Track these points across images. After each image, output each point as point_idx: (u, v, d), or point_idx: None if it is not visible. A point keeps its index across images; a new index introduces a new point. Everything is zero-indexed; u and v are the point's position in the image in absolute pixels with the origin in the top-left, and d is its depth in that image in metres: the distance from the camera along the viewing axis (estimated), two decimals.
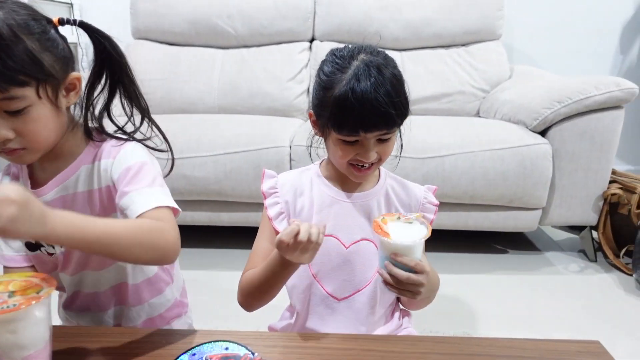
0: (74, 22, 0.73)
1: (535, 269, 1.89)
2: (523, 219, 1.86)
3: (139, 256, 0.68)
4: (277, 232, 0.86)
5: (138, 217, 0.70)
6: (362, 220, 0.88)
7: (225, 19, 2.42)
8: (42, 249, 0.81)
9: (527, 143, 1.76)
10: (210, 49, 2.49)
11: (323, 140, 0.87)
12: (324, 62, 0.82)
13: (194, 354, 0.71)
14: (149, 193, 0.73)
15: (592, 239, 1.94)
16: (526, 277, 1.83)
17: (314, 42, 2.48)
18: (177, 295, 0.98)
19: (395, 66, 0.80)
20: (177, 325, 0.97)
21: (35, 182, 0.78)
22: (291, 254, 0.73)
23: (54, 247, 0.80)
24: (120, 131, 0.83)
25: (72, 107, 0.78)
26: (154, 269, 0.92)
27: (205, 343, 0.73)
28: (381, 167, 0.93)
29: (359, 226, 0.87)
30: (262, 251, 0.87)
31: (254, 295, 0.84)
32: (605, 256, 1.90)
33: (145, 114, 0.84)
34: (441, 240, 2.02)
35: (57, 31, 0.71)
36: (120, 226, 0.65)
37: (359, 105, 0.74)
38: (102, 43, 0.75)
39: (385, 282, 0.76)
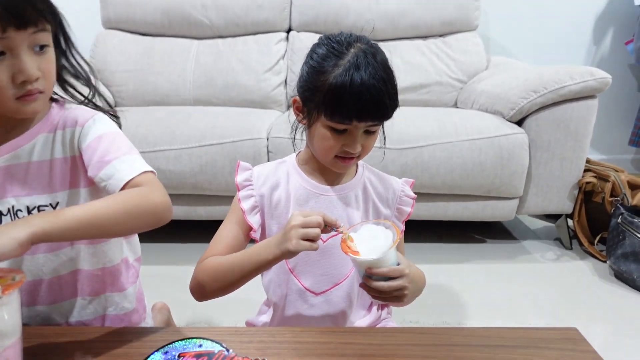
0: None
1: (513, 257, 1.91)
2: (501, 209, 1.87)
3: (131, 226, 0.69)
4: (249, 226, 0.85)
5: (126, 183, 0.69)
6: (340, 213, 0.86)
7: (199, 9, 2.35)
8: None
9: (504, 133, 1.77)
10: (185, 40, 2.43)
11: (304, 129, 0.86)
12: (317, 45, 0.81)
13: (166, 352, 0.69)
14: (131, 159, 0.72)
15: (568, 227, 1.97)
16: (504, 266, 1.84)
17: (291, 33, 2.44)
18: (135, 303, 0.91)
19: (386, 57, 0.81)
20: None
21: None
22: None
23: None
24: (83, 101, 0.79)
25: None
26: (114, 259, 0.84)
27: (178, 340, 0.70)
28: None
29: (337, 219, 0.86)
30: (228, 239, 0.85)
31: (217, 283, 0.80)
32: (581, 244, 1.93)
33: (89, 81, 0.78)
34: (420, 230, 2.02)
35: None
36: (105, 203, 0.64)
37: (357, 94, 0.73)
38: None
39: (372, 296, 0.76)
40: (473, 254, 1.93)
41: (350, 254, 0.73)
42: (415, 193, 1.83)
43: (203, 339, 0.71)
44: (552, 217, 2.07)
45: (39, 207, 0.73)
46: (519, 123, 1.84)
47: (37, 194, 0.73)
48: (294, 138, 0.92)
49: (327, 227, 0.74)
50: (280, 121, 1.90)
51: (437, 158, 1.75)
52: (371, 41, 0.82)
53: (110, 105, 0.83)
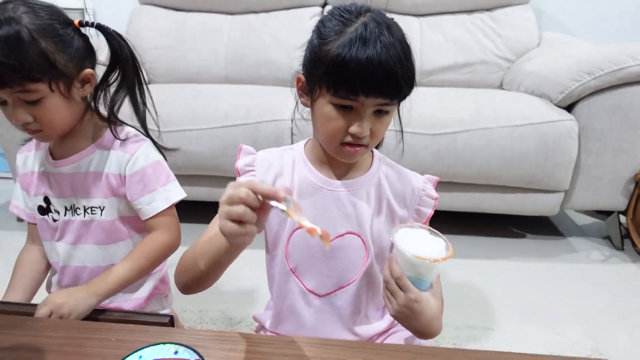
0: (91, 25, 0.82)
1: (555, 255, 1.76)
2: (543, 202, 1.71)
3: (154, 268, 0.92)
4: None
5: (158, 213, 0.88)
6: (349, 211, 0.77)
7: None
8: (50, 214, 0.90)
9: (551, 119, 1.60)
10: (217, 15, 2.37)
11: (309, 112, 0.76)
12: (324, 16, 0.72)
13: (140, 356, 0.64)
14: (166, 190, 0.89)
15: (620, 224, 1.78)
16: (544, 264, 1.69)
17: (326, 7, 2.32)
18: (157, 284, 1.00)
19: (403, 33, 0.69)
20: (150, 304, 1.00)
21: (54, 155, 0.88)
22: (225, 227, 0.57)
23: (58, 214, 0.89)
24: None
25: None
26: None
27: (153, 345, 0.65)
28: (375, 151, 0.82)
29: (344, 218, 0.77)
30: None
31: (187, 274, 0.71)
32: (634, 244, 1.74)
33: (142, 122, 0.92)
34: (451, 221, 1.90)
35: (78, 31, 0.80)
36: (140, 263, 0.86)
37: (364, 63, 0.63)
38: (116, 41, 0.85)
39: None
40: (509, 250, 1.79)
41: (403, 249, 0.64)
42: (447, 182, 1.73)
43: (180, 345, 0.66)
44: (602, 214, 1.88)
45: (92, 207, 0.89)
46: (569, 108, 1.66)
47: (91, 197, 0.88)
48: (293, 120, 0.84)
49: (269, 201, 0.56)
50: None
51: (473, 145, 1.61)
52: (386, 14, 0.70)
53: (156, 145, 0.95)
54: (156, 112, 0.96)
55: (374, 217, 0.79)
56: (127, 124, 0.93)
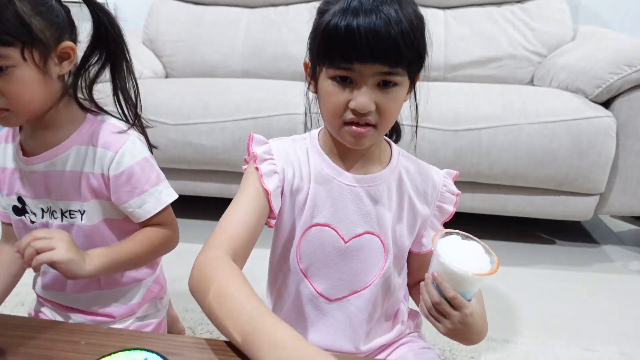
0: None
1: (588, 264, 1.62)
2: (575, 206, 1.58)
3: (152, 260, 0.89)
4: (271, 209, 0.67)
5: (152, 217, 0.80)
6: (368, 209, 0.69)
7: None
8: (27, 215, 0.82)
9: (585, 115, 1.47)
10: (236, 8, 2.32)
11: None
12: None
13: None
14: (158, 191, 0.80)
15: None
16: (576, 274, 1.56)
17: None
18: (150, 286, 0.93)
19: (417, 8, 0.62)
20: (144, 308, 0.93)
21: (25, 151, 0.79)
22: None
23: (35, 215, 0.81)
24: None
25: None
26: None
27: (123, 350, 0.59)
28: (393, 145, 0.75)
29: (363, 216, 0.70)
30: (239, 223, 0.65)
31: (208, 307, 0.59)
32: None
33: (136, 109, 0.82)
34: (474, 224, 1.78)
35: (59, 1, 0.72)
36: (138, 247, 0.79)
37: (356, 25, 0.56)
38: (101, 17, 0.75)
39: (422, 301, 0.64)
40: (537, 257, 1.66)
41: (439, 251, 0.61)
42: (470, 182, 1.62)
43: (151, 352, 0.59)
44: None
45: (70, 211, 0.79)
46: (606, 104, 1.53)
47: (69, 200, 0.79)
48: (307, 114, 0.77)
49: None
50: None
51: (498, 143, 1.49)
52: None
53: (143, 128, 0.84)
54: (141, 106, 0.84)
55: (395, 216, 0.71)
56: (110, 114, 0.81)
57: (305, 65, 0.69)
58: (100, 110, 0.80)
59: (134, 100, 0.82)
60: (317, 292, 0.72)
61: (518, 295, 1.43)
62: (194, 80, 1.93)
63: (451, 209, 0.74)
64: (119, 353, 0.59)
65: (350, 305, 0.72)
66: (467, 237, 0.64)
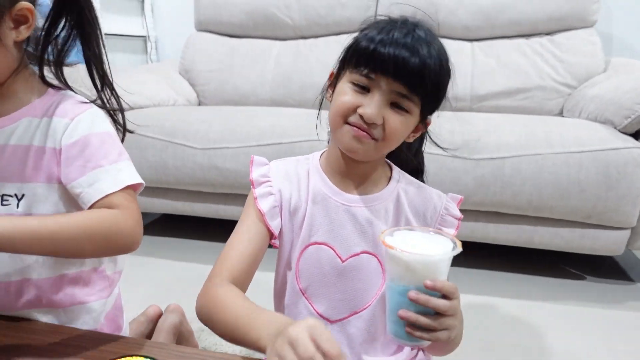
0: None
1: (620, 302, 1.54)
2: (605, 240, 1.52)
3: (91, 252, 0.65)
4: (269, 229, 0.70)
5: (103, 198, 0.64)
6: (365, 229, 0.71)
7: (282, 9, 2.32)
8: None
9: (614, 146, 1.43)
10: (267, 41, 2.42)
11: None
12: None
13: None
14: (116, 169, 0.66)
15: None
16: (606, 311, 1.48)
17: None
18: (103, 321, 0.77)
19: (446, 52, 0.67)
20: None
21: None
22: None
23: None
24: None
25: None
26: (80, 266, 0.73)
27: (124, 357, 0.60)
28: (394, 167, 0.76)
29: (360, 236, 0.71)
30: (242, 247, 0.69)
31: (219, 327, 0.61)
32: None
33: (106, 79, 0.72)
34: (498, 257, 1.73)
35: None
36: (71, 220, 0.61)
37: (390, 40, 0.61)
38: None
39: (409, 326, 0.55)
40: (565, 292, 1.59)
41: (394, 251, 0.53)
42: (493, 212, 1.59)
43: (152, 359, 0.60)
44: None
45: (3, 195, 0.66)
46: (636, 135, 1.48)
47: (5, 181, 0.66)
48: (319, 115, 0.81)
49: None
50: None
51: (522, 172, 1.47)
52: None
53: (121, 109, 0.75)
54: (117, 97, 0.74)
55: None
56: (74, 91, 0.71)
57: (332, 74, 0.73)
58: (67, 87, 0.71)
59: (110, 77, 0.72)
60: (318, 312, 0.72)
61: (541, 332, 1.36)
62: (223, 108, 2.00)
63: (452, 232, 0.72)
64: (122, 359, 0.61)
65: (351, 326, 0.72)
66: (414, 228, 0.61)
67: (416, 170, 0.80)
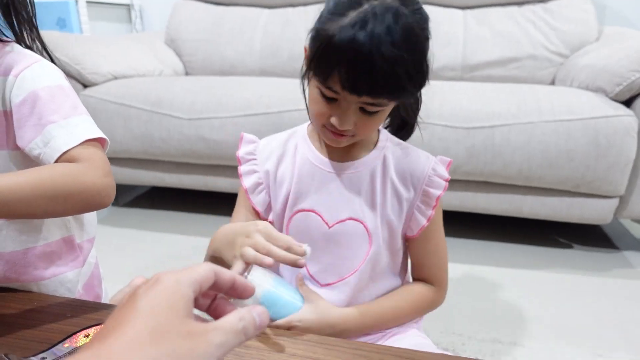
0: None
1: (606, 269, 1.56)
2: (593, 209, 1.52)
3: (53, 210, 0.57)
4: (253, 207, 0.74)
5: (62, 155, 0.58)
6: (351, 195, 0.70)
7: None
8: None
9: (604, 114, 1.42)
10: (255, 9, 2.35)
11: None
12: None
13: (88, 335, 0.58)
14: (72, 124, 0.60)
15: None
16: (592, 279, 1.50)
17: None
18: (81, 291, 0.74)
19: (423, 25, 0.59)
20: None
21: None
22: None
23: None
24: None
25: None
26: (48, 237, 0.69)
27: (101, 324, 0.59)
28: (382, 131, 0.75)
29: (346, 202, 0.70)
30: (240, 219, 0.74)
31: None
32: None
33: (31, 25, 0.65)
34: (487, 226, 1.74)
35: None
36: (21, 179, 0.53)
37: (352, 57, 0.55)
38: None
39: None
40: (553, 260, 1.61)
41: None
42: (483, 182, 1.58)
43: None
44: None
45: None
46: (627, 103, 1.47)
47: None
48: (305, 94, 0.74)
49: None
50: None
51: (512, 142, 1.46)
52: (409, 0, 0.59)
53: (45, 49, 0.68)
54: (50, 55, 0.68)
55: (381, 200, 0.70)
56: (21, 45, 0.65)
57: (305, 50, 0.68)
58: (5, 37, 0.64)
59: (32, 20, 0.65)
60: (310, 274, 0.73)
61: (529, 299, 1.38)
62: (210, 78, 1.96)
63: (439, 193, 0.71)
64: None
65: (339, 292, 0.72)
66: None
67: (404, 123, 0.77)
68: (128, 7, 2.71)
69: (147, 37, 2.37)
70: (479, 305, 1.35)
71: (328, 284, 0.73)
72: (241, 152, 0.75)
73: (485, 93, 1.58)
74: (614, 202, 1.51)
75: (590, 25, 1.99)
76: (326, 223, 0.71)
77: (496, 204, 1.59)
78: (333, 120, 0.62)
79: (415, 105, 0.74)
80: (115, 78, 1.89)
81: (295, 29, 2.24)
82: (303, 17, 2.26)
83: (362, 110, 0.61)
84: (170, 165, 1.80)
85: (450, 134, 1.48)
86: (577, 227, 1.79)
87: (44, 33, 0.69)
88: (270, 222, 0.71)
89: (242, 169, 0.74)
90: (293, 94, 1.66)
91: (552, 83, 1.98)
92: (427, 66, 0.60)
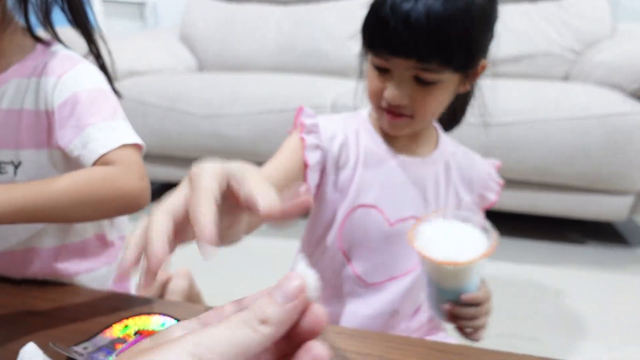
0: None
1: (619, 266, 1.56)
2: (608, 206, 1.53)
3: (90, 215, 0.59)
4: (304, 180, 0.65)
5: (100, 157, 0.59)
6: (414, 192, 0.68)
7: None
8: None
9: (621, 111, 1.42)
10: (268, 6, 2.36)
11: None
12: None
13: (126, 326, 0.60)
14: (110, 128, 0.61)
15: None
16: (605, 275, 1.51)
17: None
18: (111, 286, 0.76)
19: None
20: None
21: None
22: None
23: None
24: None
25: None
26: (83, 234, 0.70)
27: (137, 315, 0.61)
28: (439, 130, 0.73)
29: (409, 200, 0.68)
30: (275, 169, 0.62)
31: None
32: None
33: (91, 33, 0.66)
34: (502, 222, 1.74)
35: None
36: (60, 186, 0.54)
37: (396, 16, 0.55)
38: None
39: (450, 317, 0.60)
40: (567, 257, 1.61)
41: (424, 254, 0.50)
42: None
43: (170, 316, 0.60)
44: None
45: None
46: None
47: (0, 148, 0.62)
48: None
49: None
50: (351, 90, 1.74)
51: (528, 138, 1.46)
52: None
53: (102, 64, 0.68)
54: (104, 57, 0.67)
55: (442, 200, 0.69)
56: (65, 45, 0.65)
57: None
58: (56, 39, 0.66)
59: (92, 24, 0.66)
60: (356, 273, 0.70)
61: (544, 295, 1.39)
62: (225, 75, 1.97)
63: (493, 198, 0.71)
64: (139, 317, 0.61)
65: (387, 292, 0.69)
66: (447, 215, 0.54)
67: (452, 118, 0.75)
68: (142, 4, 2.73)
69: (161, 34, 2.39)
70: (497, 300, 1.35)
71: (374, 283, 0.70)
72: (308, 121, 0.65)
73: (501, 89, 1.58)
74: (629, 199, 1.51)
75: (604, 22, 1.98)
76: (388, 220, 0.67)
77: (510, 200, 1.59)
78: (387, 92, 0.60)
79: (466, 96, 0.71)
80: (132, 75, 1.91)
81: (308, 26, 2.25)
82: (316, 14, 2.26)
83: (416, 80, 0.59)
84: (185, 161, 1.82)
85: (466, 131, 1.48)
86: (590, 224, 1.79)
87: (60, 30, 0.69)
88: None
89: (307, 139, 0.63)
90: (309, 91, 1.68)
91: (566, 79, 1.98)
92: (486, 39, 0.60)
